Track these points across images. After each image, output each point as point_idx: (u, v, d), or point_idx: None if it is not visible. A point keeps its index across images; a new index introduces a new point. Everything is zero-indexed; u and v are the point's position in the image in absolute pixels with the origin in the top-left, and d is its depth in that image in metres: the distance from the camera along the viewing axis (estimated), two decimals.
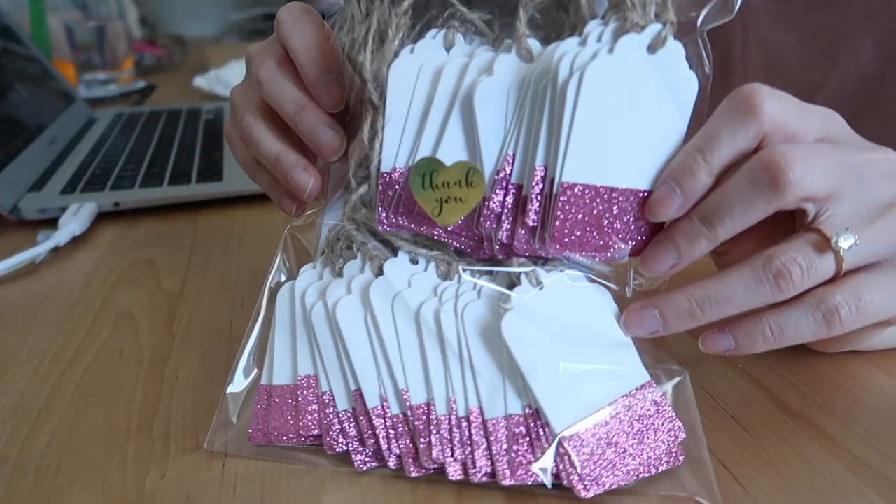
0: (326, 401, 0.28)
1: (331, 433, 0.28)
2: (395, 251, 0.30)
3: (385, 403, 0.28)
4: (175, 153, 0.65)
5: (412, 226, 0.29)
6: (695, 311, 0.27)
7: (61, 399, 0.32)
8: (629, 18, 0.26)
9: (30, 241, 0.49)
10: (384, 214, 0.29)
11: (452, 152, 0.28)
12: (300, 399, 0.29)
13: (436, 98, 0.28)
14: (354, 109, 0.30)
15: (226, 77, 0.94)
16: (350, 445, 0.28)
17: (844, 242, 0.26)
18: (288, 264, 0.32)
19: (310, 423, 0.28)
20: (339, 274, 0.30)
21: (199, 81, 0.95)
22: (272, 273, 0.31)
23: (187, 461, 0.28)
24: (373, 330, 0.28)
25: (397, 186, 0.29)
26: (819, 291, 0.26)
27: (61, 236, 0.48)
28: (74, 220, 0.50)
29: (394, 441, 0.27)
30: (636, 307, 0.28)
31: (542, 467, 0.26)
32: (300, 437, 0.28)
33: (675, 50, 0.27)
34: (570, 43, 0.26)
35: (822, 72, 0.47)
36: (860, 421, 0.29)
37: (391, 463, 0.27)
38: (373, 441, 0.27)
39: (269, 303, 0.31)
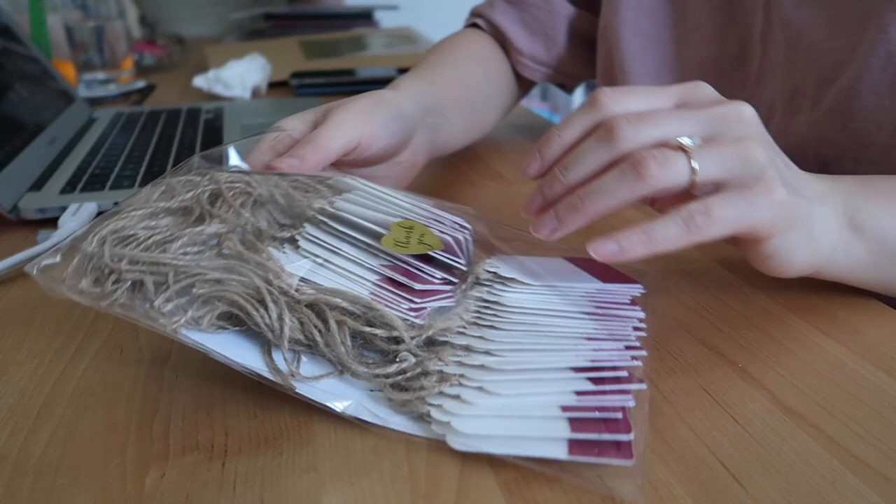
0: None
1: None
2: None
3: None
4: (175, 153, 0.65)
5: None
6: (577, 203, 0.33)
7: (61, 399, 0.32)
8: None
9: (29, 240, 0.49)
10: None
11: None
12: None
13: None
14: None
15: (225, 77, 0.94)
16: None
17: (688, 140, 0.32)
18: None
19: None
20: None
21: (199, 81, 0.95)
22: None
23: (187, 461, 0.28)
24: None
25: None
26: (680, 204, 0.32)
27: (61, 236, 0.48)
28: (74, 220, 0.49)
29: None
30: (539, 216, 0.34)
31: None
32: None
33: None
34: None
35: (846, 50, 0.47)
36: (860, 421, 0.29)
37: None
38: None
39: None
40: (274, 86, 1.01)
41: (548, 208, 0.34)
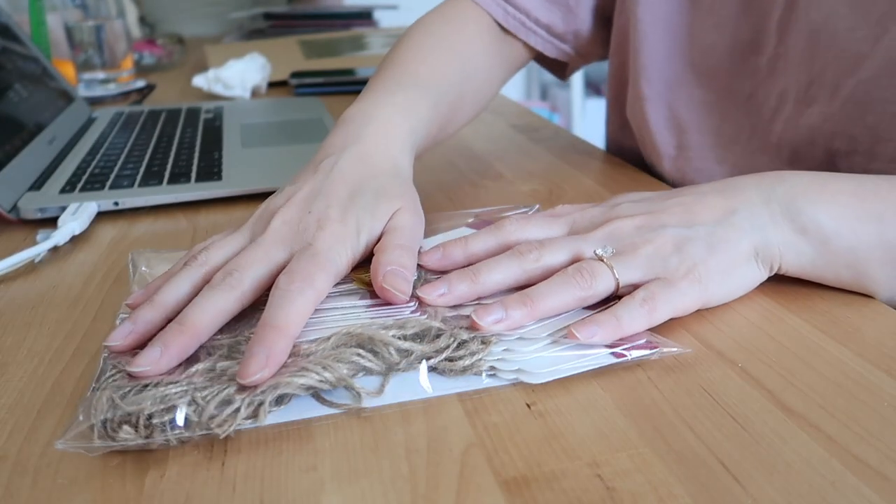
0: None
1: None
2: None
3: None
4: (174, 152, 0.65)
5: None
6: (525, 301, 0.35)
7: (60, 398, 0.32)
8: None
9: (29, 240, 0.49)
10: None
11: None
12: None
13: None
14: None
15: (225, 76, 0.94)
16: None
17: (604, 251, 0.37)
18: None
19: None
20: None
21: (199, 81, 0.95)
22: None
23: (186, 460, 0.28)
24: None
25: None
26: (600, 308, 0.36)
27: (61, 235, 0.48)
28: (74, 220, 0.49)
29: None
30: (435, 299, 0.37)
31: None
32: None
33: None
34: None
35: (869, 41, 0.47)
36: (860, 420, 0.29)
37: None
38: None
39: None
40: (273, 85, 1.01)
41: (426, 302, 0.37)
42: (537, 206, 0.50)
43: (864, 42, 0.47)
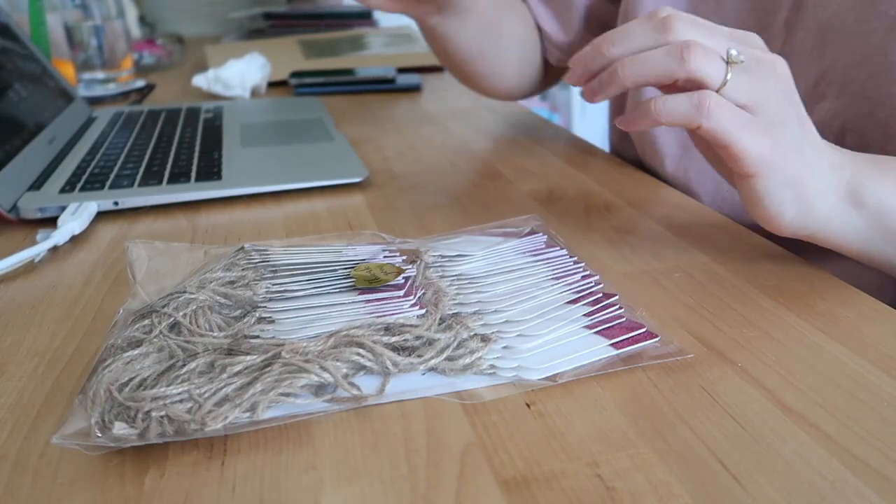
0: None
1: None
2: None
3: None
4: (174, 152, 0.65)
5: None
6: (618, 69, 0.37)
7: (60, 398, 0.32)
8: None
9: (29, 240, 0.49)
10: None
11: None
12: None
13: None
14: None
15: (225, 76, 0.94)
16: None
17: (735, 54, 0.36)
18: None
19: None
20: None
21: (198, 80, 0.95)
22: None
23: (186, 460, 0.28)
24: None
25: None
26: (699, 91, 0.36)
27: (60, 235, 0.48)
28: (74, 219, 0.49)
29: None
30: (581, 83, 0.40)
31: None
32: None
33: None
34: None
35: (878, 34, 0.47)
36: (859, 420, 0.29)
37: None
38: None
39: None
40: (273, 85, 1.01)
41: (590, 78, 0.39)
42: (533, 216, 0.51)
43: (873, 35, 0.47)
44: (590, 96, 0.39)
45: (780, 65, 0.38)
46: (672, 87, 0.38)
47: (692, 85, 0.36)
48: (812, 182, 0.38)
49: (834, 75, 0.50)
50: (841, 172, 0.39)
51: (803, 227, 0.39)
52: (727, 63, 0.36)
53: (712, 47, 0.36)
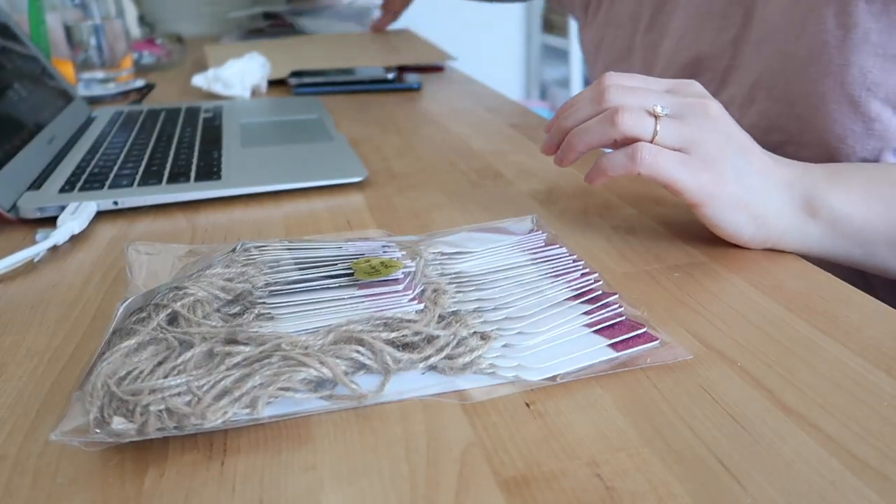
0: None
1: None
2: None
3: None
4: (174, 152, 0.65)
5: None
6: (570, 141, 0.45)
7: (60, 398, 0.32)
8: None
9: (28, 239, 0.49)
10: None
11: None
12: None
13: None
14: None
15: (224, 76, 0.94)
16: None
17: (660, 109, 0.42)
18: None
19: None
20: None
21: (198, 80, 0.95)
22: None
23: (186, 460, 0.28)
24: None
25: None
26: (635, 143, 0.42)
27: (60, 235, 0.48)
28: (73, 219, 0.49)
29: None
30: (551, 153, 0.48)
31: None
32: None
33: None
34: None
35: (792, 39, 0.52)
36: (859, 420, 0.29)
37: None
38: None
39: None
40: (273, 84, 1.01)
41: (555, 148, 0.47)
42: (534, 216, 0.51)
43: (790, 42, 0.52)
44: (559, 163, 0.47)
45: (713, 106, 0.43)
46: (621, 142, 0.43)
47: (630, 140, 0.42)
48: (761, 203, 0.42)
49: (762, 81, 0.55)
50: (794, 187, 0.43)
51: (765, 240, 0.44)
52: (655, 117, 0.42)
53: (639, 106, 0.42)
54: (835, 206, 0.43)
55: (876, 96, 0.49)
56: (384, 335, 0.33)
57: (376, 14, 1.46)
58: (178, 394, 0.29)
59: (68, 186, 0.56)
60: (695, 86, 0.45)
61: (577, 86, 2.50)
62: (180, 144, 0.67)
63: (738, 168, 0.42)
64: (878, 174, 0.45)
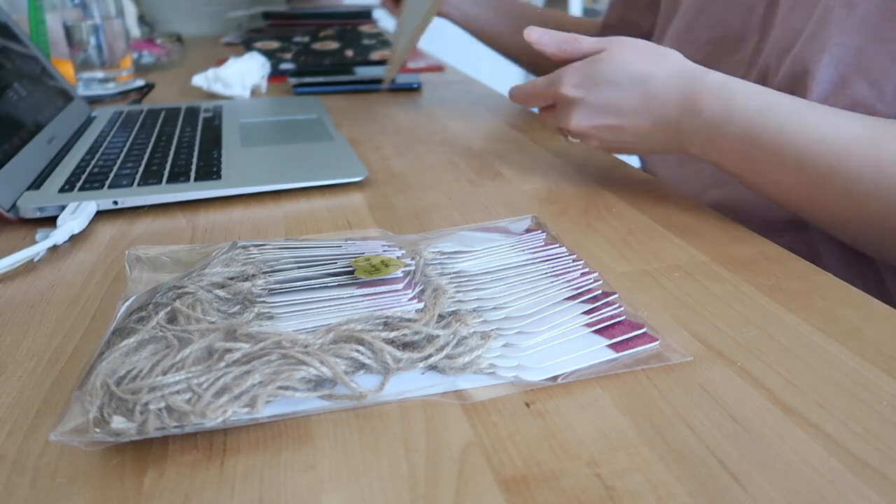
0: None
1: None
2: None
3: None
4: (174, 151, 0.65)
5: None
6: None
7: (60, 398, 0.32)
8: None
9: (28, 239, 0.49)
10: None
11: None
12: None
13: None
14: None
15: (224, 75, 0.94)
16: None
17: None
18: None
19: None
20: None
21: (198, 80, 0.95)
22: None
23: (185, 460, 0.28)
24: None
25: None
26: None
27: (60, 235, 0.48)
28: (73, 219, 0.49)
29: None
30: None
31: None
32: None
33: None
34: None
35: (806, 18, 0.54)
36: (859, 420, 0.29)
37: None
38: None
39: None
40: (273, 83, 1.01)
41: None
42: (533, 216, 0.51)
43: (800, 20, 0.54)
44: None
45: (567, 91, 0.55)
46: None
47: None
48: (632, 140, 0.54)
49: (772, 60, 0.59)
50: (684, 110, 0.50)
51: (702, 154, 0.51)
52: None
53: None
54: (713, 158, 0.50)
55: (865, 78, 0.51)
56: (384, 334, 0.33)
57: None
58: (178, 391, 0.29)
59: (68, 186, 0.56)
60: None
61: None
62: (180, 144, 0.67)
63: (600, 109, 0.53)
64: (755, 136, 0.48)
